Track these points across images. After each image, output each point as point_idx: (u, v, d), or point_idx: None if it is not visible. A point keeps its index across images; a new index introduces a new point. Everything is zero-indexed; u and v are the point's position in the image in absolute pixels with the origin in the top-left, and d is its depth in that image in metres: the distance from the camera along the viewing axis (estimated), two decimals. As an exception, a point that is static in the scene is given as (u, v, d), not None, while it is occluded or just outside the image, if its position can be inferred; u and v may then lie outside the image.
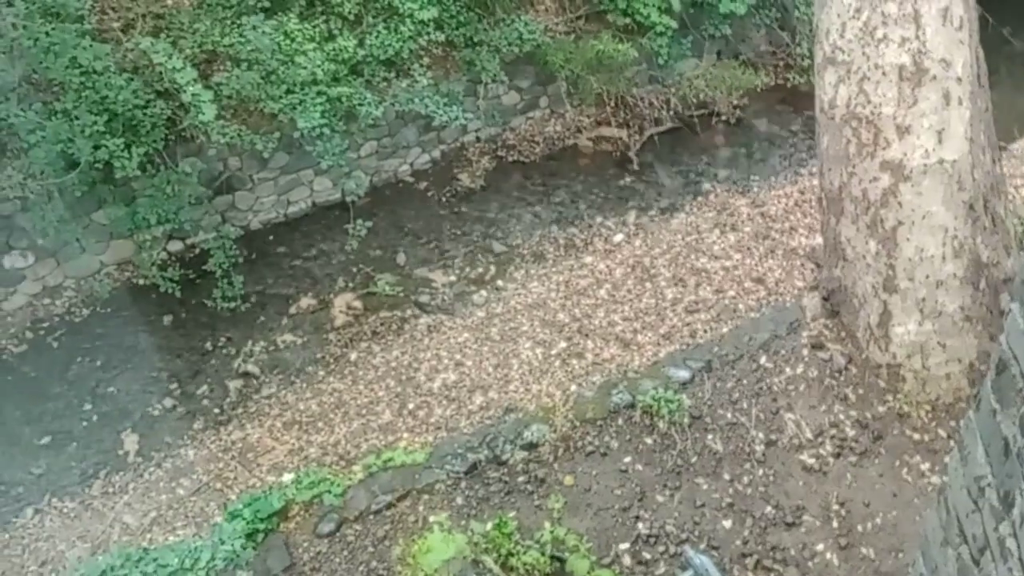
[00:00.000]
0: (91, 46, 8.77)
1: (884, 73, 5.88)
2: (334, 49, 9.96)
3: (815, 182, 10.85)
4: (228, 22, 9.72)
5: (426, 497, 5.93)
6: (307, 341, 9.53)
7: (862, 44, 5.95)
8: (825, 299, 6.80)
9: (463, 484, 5.99)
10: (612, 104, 11.84)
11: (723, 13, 11.85)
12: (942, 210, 5.90)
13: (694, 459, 6.08)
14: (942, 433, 6.03)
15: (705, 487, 5.93)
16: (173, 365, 9.23)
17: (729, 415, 6.32)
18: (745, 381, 6.56)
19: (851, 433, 6.11)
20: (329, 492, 6.01)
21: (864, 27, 5.92)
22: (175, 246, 10.27)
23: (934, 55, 5.76)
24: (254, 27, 9.38)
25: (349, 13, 10.26)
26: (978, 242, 5.96)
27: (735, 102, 12.32)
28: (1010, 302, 2.57)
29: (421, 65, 10.63)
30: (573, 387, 8.16)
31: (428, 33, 10.48)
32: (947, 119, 5.82)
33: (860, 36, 5.95)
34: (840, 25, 6.05)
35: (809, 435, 6.15)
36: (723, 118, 12.30)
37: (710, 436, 6.23)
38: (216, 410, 8.79)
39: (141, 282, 9.83)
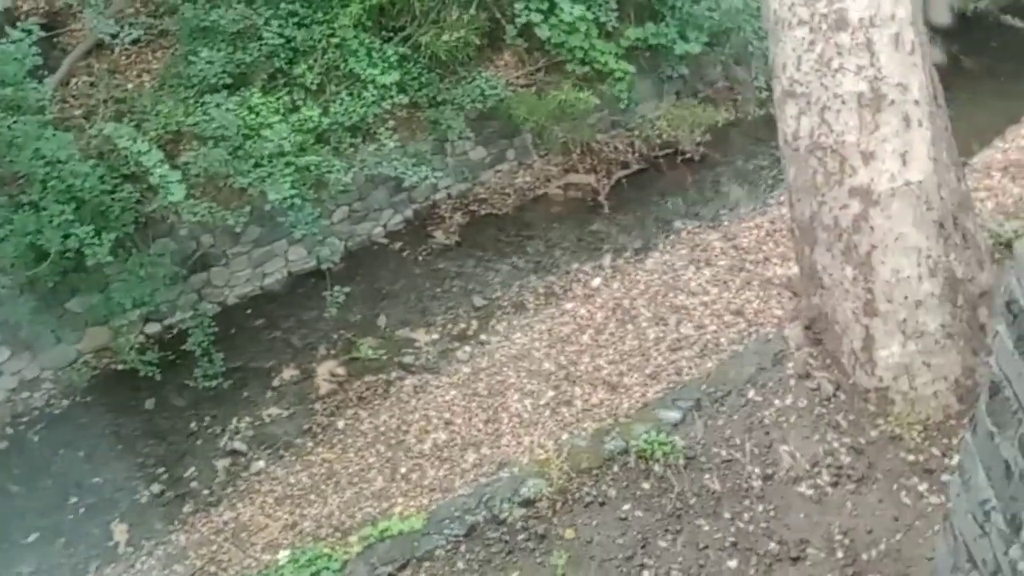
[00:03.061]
0: (54, 135, 8.76)
1: (844, 102, 5.98)
2: (299, 120, 10.02)
3: (783, 211, 10.99)
4: (191, 101, 9.77)
5: (427, 564, 5.84)
6: (293, 413, 9.43)
7: (819, 75, 6.06)
8: (807, 328, 6.83)
9: (463, 548, 5.90)
10: (578, 151, 11.97)
11: (679, 54, 12.06)
12: (913, 231, 5.97)
13: (693, 500, 6.03)
14: (936, 452, 6.03)
15: (707, 528, 5.88)
16: (158, 449, 9.08)
17: (724, 452, 6.30)
18: (736, 417, 6.54)
19: (846, 460, 6.10)
20: (328, 568, 5.90)
21: (819, 58, 6.04)
22: (152, 328, 10.17)
23: (890, 80, 5.87)
24: (217, 104, 9.43)
25: (311, 83, 10.35)
26: (952, 259, 6.02)
27: (698, 139, 12.47)
28: (996, 323, 2.59)
29: (387, 128, 10.71)
30: (564, 436, 8.09)
31: (391, 97, 10.57)
32: (909, 141, 5.92)
33: (816, 68, 6.06)
34: (796, 58, 6.17)
35: (805, 466, 6.12)
36: (688, 156, 12.43)
37: (707, 475, 6.19)
38: (205, 491, 8.64)
39: (120, 368, 9.70)
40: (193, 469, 8.85)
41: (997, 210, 8.39)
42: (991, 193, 8.99)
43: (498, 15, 11.47)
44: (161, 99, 9.76)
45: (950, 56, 11.05)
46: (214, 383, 9.51)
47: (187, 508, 8.46)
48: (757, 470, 6.13)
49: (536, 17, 11.28)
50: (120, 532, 8.29)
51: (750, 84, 12.95)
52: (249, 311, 10.61)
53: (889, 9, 5.85)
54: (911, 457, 5.99)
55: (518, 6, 11.23)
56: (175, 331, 10.16)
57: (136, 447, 9.05)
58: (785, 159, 6.62)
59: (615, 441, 6.39)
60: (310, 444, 8.99)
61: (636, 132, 12.34)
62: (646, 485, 6.16)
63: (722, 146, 12.75)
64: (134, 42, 10.01)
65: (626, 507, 6.02)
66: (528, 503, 6.08)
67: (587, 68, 11.70)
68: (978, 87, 11.77)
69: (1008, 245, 7.36)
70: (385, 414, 9.14)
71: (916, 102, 5.91)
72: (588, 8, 11.42)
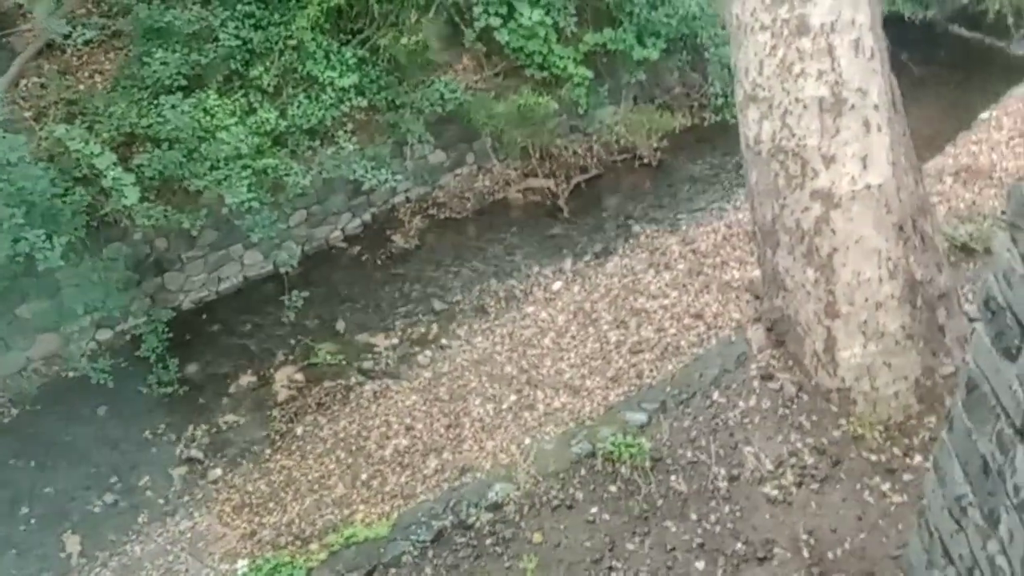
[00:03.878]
0: (4, 138, 8.51)
1: (805, 106, 6.05)
2: (256, 122, 9.89)
3: (740, 216, 11.12)
4: (145, 103, 9.58)
5: (394, 571, 5.77)
6: (250, 420, 9.28)
7: (781, 80, 6.12)
8: (769, 330, 6.89)
9: (430, 553, 5.84)
10: (537, 155, 11.99)
11: (637, 60, 12.13)
12: (874, 233, 6.05)
13: (660, 502, 6.05)
14: (897, 451, 6.12)
15: (674, 530, 5.89)
16: (111, 458, 8.88)
17: (689, 454, 6.32)
18: (701, 418, 6.58)
19: (810, 461, 6.16)
20: (292, 576, 5.80)
21: (781, 63, 6.10)
22: (104, 334, 9.95)
23: (851, 85, 5.95)
24: (172, 106, 9.26)
25: (268, 86, 10.22)
26: (911, 261, 6.12)
27: (655, 144, 12.56)
28: (973, 322, 2.62)
29: (345, 131, 10.62)
30: (527, 440, 8.07)
31: (350, 99, 10.49)
32: (869, 146, 6.01)
33: (778, 72, 6.12)
34: (758, 63, 6.22)
35: (770, 466, 6.17)
36: (645, 161, 12.52)
37: (673, 477, 6.21)
38: (161, 501, 8.46)
39: (71, 375, 9.49)
40: (148, 478, 8.66)
41: (951, 214, 8.56)
42: (944, 198, 9.17)
43: (457, 19, 11.44)
44: (114, 100, 9.56)
45: (900, 64, 11.24)
46: (169, 390, 9.34)
47: (142, 518, 8.28)
48: (723, 471, 6.17)
49: (495, 21, 11.27)
50: (73, 543, 8.08)
51: (706, 90, 13.06)
52: (205, 316, 10.43)
53: (849, 15, 5.93)
54: (873, 457, 6.06)
55: (477, 10, 11.22)
56: (128, 337, 9.95)
57: (89, 456, 8.85)
58: (747, 162, 6.67)
59: (582, 444, 6.38)
60: (268, 451, 8.86)
61: (595, 137, 12.39)
62: (613, 488, 6.15)
63: (679, 151, 12.86)
64: (86, 43, 9.82)
65: (593, 510, 6.01)
66: (495, 507, 6.04)
67: (546, 73, 11.73)
68: (928, 94, 12.04)
69: (963, 248, 7.52)
70: (345, 420, 9.04)
71: (876, 107, 5.99)
72: (547, 13, 11.44)
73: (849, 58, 5.97)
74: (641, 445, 6.24)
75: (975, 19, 14.52)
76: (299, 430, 9.05)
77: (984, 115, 11.68)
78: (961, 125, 11.54)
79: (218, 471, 8.73)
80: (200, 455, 8.87)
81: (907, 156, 6.24)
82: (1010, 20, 13.43)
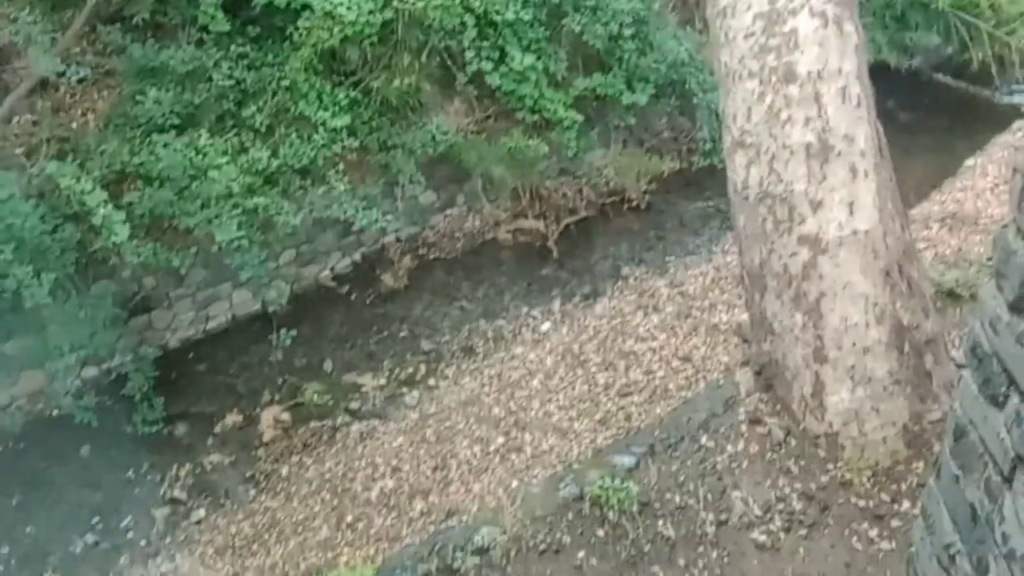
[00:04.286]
0: (-6, 174, 8.54)
1: (792, 152, 6.11)
2: (247, 161, 9.91)
3: (728, 259, 11.19)
4: (137, 141, 9.61)
5: (378, 615, 5.69)
6: (235, 460, 9.20)
7: (768, 126, 6.19)
8: (758, 374, 6.90)
9: (415, 597, 5.77)
10: (527, 197, 12.06)
11: (626, 104, 12.26)
12: (861, 278, 6.09)
13: (647, 547, 5.99)
14: (885, 497, 6.09)
15: (661, 575, 5.84)
16: (93, 498, 8.77)
17: (677, 498, 6.28)
18: (689, 462, 6.55)
19: (798, 506, 6.13)
20: (274, 620, 5.71)
21: (769, 110, 6.18)
22: (90, 372, 9.86)
23: (837, 132, 6.03)
24: (165, 145, 9.29)
25: (260, 125, 10.27)
26: (898, 307, 6.15)
27: (644, 187, 12.66)
28: (961, 368, 2.63)
29: (337, 171, 10.65)
30: (514, 483, 8.03)
31: (342, 140, 10.54)
32: (856, 191, 6.06)
33: (766, 119, 6.20)
34: (746, 110, 6.30)
35: (758, 512, 6.14)
36: (634, 203, 12.60)
37: (661, 522, 6.16)
38: (143, 542, 8.35)
39: (55, 413, 9.39)
40: (130, 518, 8.56)
41: (937, 260, 8.63)
42: (930, 243, 9.26)
43: (449, 63, 11.56)
44: (106, 138, 9.58)
45: (887, 111, 11.40)
46: (154, 429, 9.25)
47: (123, 559, 8.18)
48: (711, 516, 6.13)
49: (487, 65, 11.39)
50: (52, 585, 7.95)
51: (695, 135, 13.20)
52: (192, 355, 10.38)
53: (836, 63, 6.03)
54: (861, 503, 6.04)
55: (469, 54, 11.34)
56: (114, 375, 9.88)
57: (71, 495, 8.73)
58: (735, 207, 6.72)
59: (569, 487, 6.34)
60: (253, 492, 8.78)
61: (584, 179, 12.48)
62: (600, 532, 6.10)
63: (668, 194, 12.96)
64: (80, 81, 9.86)
65: (581, 555, 5.96)
66: (482, 551, 5.97)
67: (537, 116, 11.83)
68: (915, 141, 12.18)
69: (950, 294, 7.57)
70: (331, 461, 8.98)
71: (862, 153, 6.06)
72: (538, 58, 11.57)
73: (836, 105, 6.05)
74: (629, 489, 6.20)
75: (959, 68, 14.77)
76: (284, 471, 8.97)
77: (970, 162, 11.85)
78: (947, 172, 11.69)
79: (201, 512, 8.63)
80: (183, 496, 8.77)
81: (893, 202, 6.31)
82: (994, 70, 13.66)
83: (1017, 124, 12.98)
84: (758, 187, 6.33)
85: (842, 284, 6.11)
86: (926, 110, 14.35)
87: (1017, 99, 14.50)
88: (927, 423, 6.18)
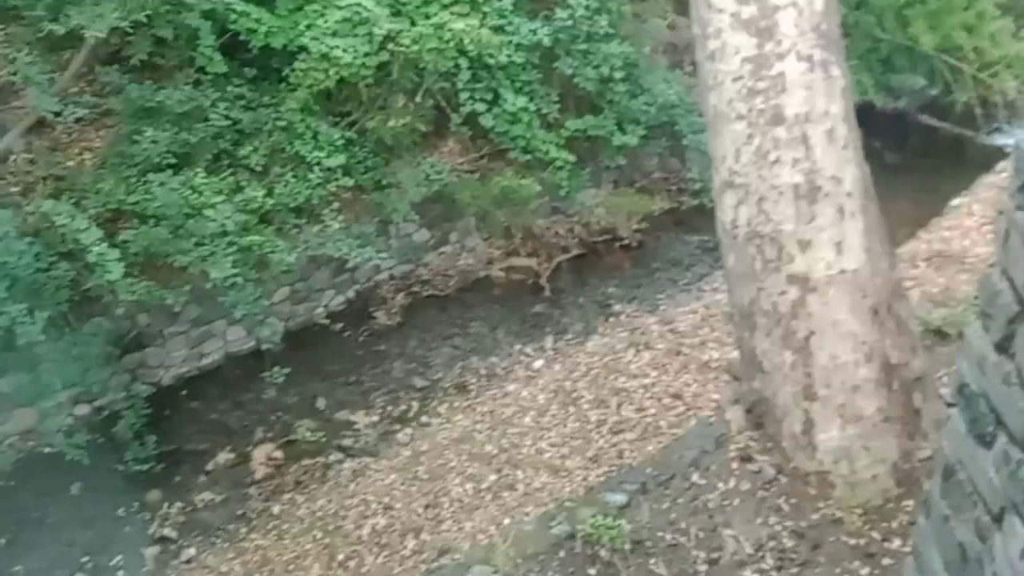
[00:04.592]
0: (-10, 212, 8.60)
1: (781, 193, 6.22)
2: (243, 200, 10.01)
3: (718, 297, 11.27)
4: (133, 180, 9.70)
5: (371, 654, 5.67)
6: (227, 498, 9.16)
7: (757, 167, 6.30)
8: (748, 411, 6.94)
9: (408, 637, 5.76)
10: (520, 235, 12.18)
11: (617, 145, 12.44)
12: (849, 317, 6.17)
13: (640, 586, 6.00)
14: (876, 536, 6.12)
15: (654, 614, 5.84)
16: (83, 536, 8.71)
17: (669, 537, 6.30)
18: (680, 500, 6.57)
19: (789, 544, 6.15)
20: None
21: (757, 151, 6.29)
22: (82, 410, 9.84)
23: (825, 173, 6.14)
24: (161, 184, 9.38)
25: (256, 165, 10.38)
26: (887, 345, 6.23)
27: (635, 226, 12.78)
28: (949, 408, 2.68)
29: (332, 210, 10.76)
30: (507, 520, 8.02)
31: (337, 179, 10.66)
32: (844, 231, 6.17)
33: (755, 160, 6.30)
34: (735, 151, 6.41)
35: (749, 550, 6.15)
36: (625, 242, 12.72)
37: (652, 560, 6.17)
38: (132, 581, 8.30)
39: (47, 450, 9.34)
40: (120, 557, 8.49)
41: (924, 298, 8.72)
42: (917, 282, 9.35)
43: (443, 103, 11.72)
44: (102, 177, 9.67)
45: (873, 152, 11.57)
46: (145, 467, 9.22)
47: (113, 599, 8.10)
48: (702, 555, 6.14)
49: (480, 107, 11.56)
50: (41, 625, 7.88)
51: (684, 175, 13.36)
52: (185, 392, 10.37)
53: (823, 106, 6.15)
54: (852, 541, 6.06)
55: (463, 95, 11.51)
56: (106, 413, 9.85)
57: (61, 533, 8.68)
58: (724, 246, 6.81)
59: (561, 525, 6.35)
60: (244, 530, 8.73)
61: (576, 218, 12.62)
62: (592, 571, 6.11)
63: (658, 233, 13.09)
64: (77, 120, 9.94)
65: (573, 593, 5.96)
66: (474, 590, 5.97)
67: (529, 156, 11.99)
68: (901, 181, 12.34)
69: (937, 332, 7.65)
70: (323, 499, 8.95)
71: (849, 194, 6.17)
72: (531, 100, 11.76)
73: (823, 147, 6.17)
74: (621, 527, 6.22)
75: (944, 110, 15.02)
76: (276, 509, 8.94)
77: (956, 202, 12.00)
78: (933, 211, 11.84)
79: (192, 550, 8.57)
80: (174, 534, 8.72)
81: (881, 241, 6.41)
82: (978, 112, 13.90)
83: (1001, 165, 13.15)
84: (747, 227, 6.43)
85: (831, 323, 6.19)
86: (912, 151, 14.57)
87: (1001, 140, 14.74)
88: (917, 461, 6.23)
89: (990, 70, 13.68)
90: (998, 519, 2.46)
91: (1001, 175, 12.58)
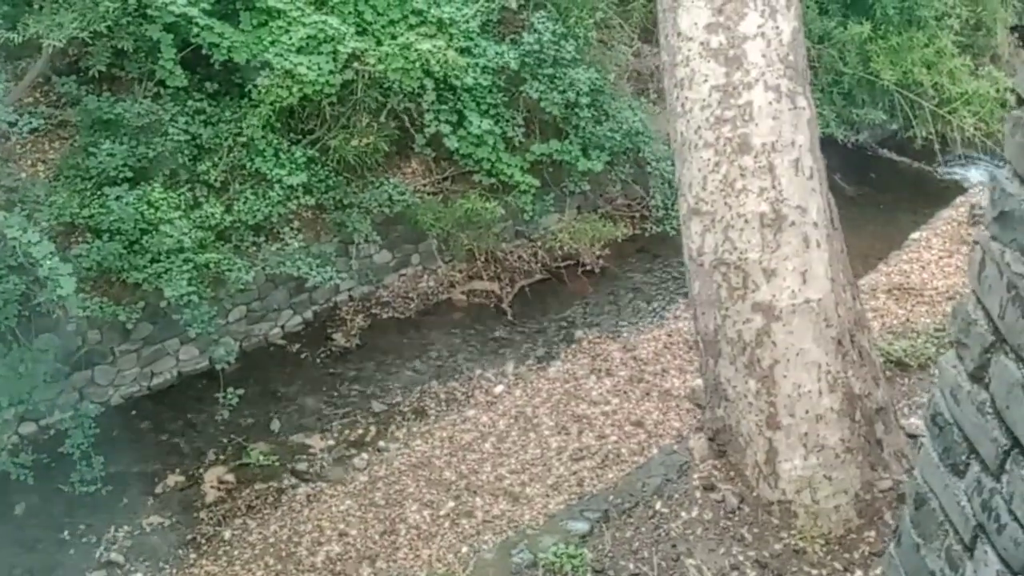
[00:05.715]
0: (-63, 223, 8.33)
1: (747, 221, 6.22)
2: (201, 216, 9.82)
3: (680, 325, 11.29)
4: (88, 193, 9.47)
5: None
6: (176, 522, 8.91)
7: (724, 195, 6.30)
8: (711, 440, 6.91)
9: (362, 668, 5.58)
10: (483, 259, 12.09)
11: (582, 171, 12.44)
12: (813, 347, 6.17)
13: (601, 616, 5.90)
14: (838, 566, 6.09)
15: (615, 645, 5.74)
16: (27, 560, 8.40)
17: (631, 566, 6.21)
18: (643, 529, 6.50)
19: (752, 574, 6.10)
20: None
21: (724, 179, 6.29)
22: (27, 428, 9.54)
23: (791, 203, 6.16)
24: (117, 198, 9.16)
25: (215, 180, 10.20)
26: (849, 375, 6.23)
27: (598, 252, 12.77)
28: (920, 436, 2.64)
29: (291, 228, 10.60)
30: (464, 548, 7.88)
31: (297, 197, 10.51)
32: (808, 261, 6.18)
33: (721, 188, 6.31)
34: (701, 179, 6.41)
35: (712, 580, 6.09)
36: (588, 268, 12.70)
37: (614, 590, 6.08)
38: (75, 607, 8.01)
39: (-11, 470, 9.04)
40: (63, 582, 8.20)
41: (885, 330, 8.79)
42: (878, 314, 9.44)
43: (408, 124, 11.64)
44: (56, 190, 9.43)
45: (834, 185, 11.73)
46: (92, 488, 8.92)
47: (54, 626, 7.80)
48: (664, 585, 6.07)
49: (445, 128, 11.50)
50: (-25, 654, 7.56)
51: (648, 203, 13.40)
52: (134, 412, 10.10)
53: (789, 136, 6.18)
54: (814, 571, 6.03)
55: (427, 116, 11.44)
56: (52, 432, 9.55)
57: (2, 556, 8.36)
58: (690, 274, 6.80)
59: (523, 554, 6.25)
60: (193, 556, 8.48)
61: (539, 243, 12.58)
62: (553, 600, 6.00)
63: (621, 260, 13.09)
64: (32, 131, 9.71)
65: (533, 623, 5.84)
66: (431, 619, 5.83)
67: (493, 179, 11.93)
68: (861, 214, 12.51)
69: (898, 363, 7.70)
70: (275, 524, 8.74)
71: (815, 224, 6.20)
72: (496, 123, 11.72)
73: (789, 177, 6.19)
74: (583, 556, 6.13)
75: (903, 145, 15.29)
76: (227, 534, 8.70)
77: (915, 235, 12.17)
78: (893, 244, 11.99)
79: (139, 575, 8.32)
80: (120, 558, 8.45)
81: (845, 272, 6.44)
82: (936, 147, 14.15)
83: (960, 199, 13.40)
84: (713, 254, 6.42)
85: (795, 352, 6.18)
86: (872, 184, 14.78)
87: (959, 175, 15.03)
88: (878, 492, 6.23)
89: (949, 107, 13.95)
90: (970, 548, 2.43)
91: (959, 210, 12.81)
